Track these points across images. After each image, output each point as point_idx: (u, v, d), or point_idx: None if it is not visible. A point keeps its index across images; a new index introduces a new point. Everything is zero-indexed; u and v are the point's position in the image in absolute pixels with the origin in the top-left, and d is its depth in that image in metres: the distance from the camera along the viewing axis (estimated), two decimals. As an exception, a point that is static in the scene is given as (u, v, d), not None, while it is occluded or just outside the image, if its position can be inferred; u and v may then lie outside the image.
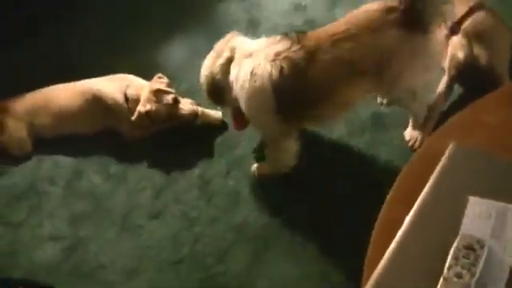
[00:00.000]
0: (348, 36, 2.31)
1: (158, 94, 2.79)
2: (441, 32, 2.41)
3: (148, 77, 2.98)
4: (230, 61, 2.51)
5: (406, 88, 2.42)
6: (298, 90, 2.36)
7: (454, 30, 2.59)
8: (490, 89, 1.88)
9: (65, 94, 3.04)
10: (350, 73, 2.34)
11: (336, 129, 2.78)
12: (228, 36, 2.63)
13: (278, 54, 2.36)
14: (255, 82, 2.38)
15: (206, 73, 2.61)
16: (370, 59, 2.30)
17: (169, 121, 2.86)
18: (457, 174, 1.60)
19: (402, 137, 2.60)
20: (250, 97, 2.42)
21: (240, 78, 2.43)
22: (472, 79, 2.55)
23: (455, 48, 2.58)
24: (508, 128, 1.73)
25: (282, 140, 2.55)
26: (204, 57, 2.85)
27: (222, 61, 2.54)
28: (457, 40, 2.58)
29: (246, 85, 2.40)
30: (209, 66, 2.61)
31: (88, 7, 3.73)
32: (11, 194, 2.99)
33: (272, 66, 2.35)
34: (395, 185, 1.66)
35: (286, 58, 2.34)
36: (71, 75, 3.16)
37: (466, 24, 2.56)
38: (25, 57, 3.59)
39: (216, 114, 2.93)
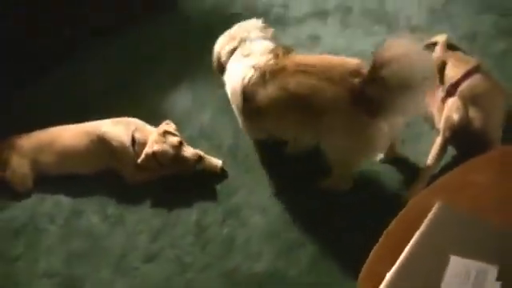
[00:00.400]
0: (309, 72, 2.45)
1: (165, 135, 2.84)
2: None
3: (153, 122, 3.07)
4: (234, 50, 2.80)
5: (327, 149, 2.56)
6: (256, 101, 2.57)
7: (450, 92, 2.65)
8: (481, 153, 1.92)
9: (70, 133, 3.11)
10: (293, 105, 2.48)
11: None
12: (249, 23, 2.97)
13: (259, 63, 2.58)
14: (235, 81, 2.66)
15: (217, 50, 2.94)
16: (313, 102, 2.42)
17: (173, 164, 2.91)
18: (440, 232, 1.64)
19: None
20: (230, 92, 2.74)
21: (230, 73, 2.75)
22: (465, 142, 2.58)
23: (450, 110, 2.64)
24: (494, 191, 1.77)
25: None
26: (208, 107, 2.92)
27: (228, 48, 2.85)
28: (452, 102, 2.63)
29: (231, 81, 2.71)
30: (220, 45, 2.93)
31: (102, 52, 3.81)
32: (10, 229, 3.03)
33: (248, 72, 2.60)
34: (380, 240, 1.69)
35: (260, 68, 2.56)
36: (81, 117, 3.23)
37: (463, 87, 2.61)
38: (38, 96, 3.63)
39: (217, 161, 2.96)
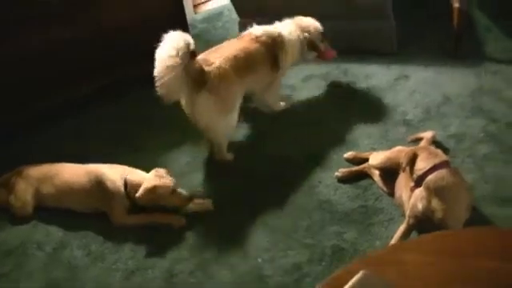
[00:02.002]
0: None
1: (159, 177, 3.03)
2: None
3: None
4: None
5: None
6: None
7: (418, 183, 2.73)
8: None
9: (72, 170, 3.28)
10: None
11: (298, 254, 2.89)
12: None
13: None
14: None
15: None
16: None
17: (168, 202, 3.07)
18: None
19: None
20: None
21: None
22: (428, 231, 2.63)
23: (416, 199, 2.73)
24: (420, 270, 1.82)
25: None
26: (203, 169, 3.26)
27: None
28: (418, 192, 2.71)
29: None
30: None
31: (104, 108, 3.99)
32: (1, 248, 3.14)
33: None
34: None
35: None
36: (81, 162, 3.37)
37: (429, 179, 2.68)
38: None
39: (208, 201, 3.17)
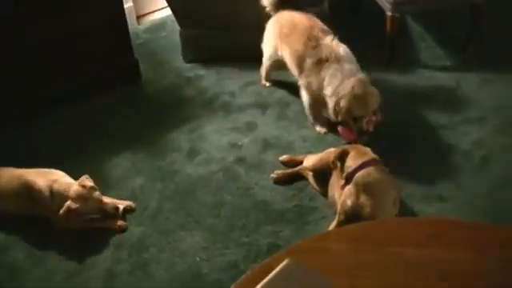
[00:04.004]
0: None
1: (86, 187, 3.02)
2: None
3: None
4: None
5: None
6: None
7: (347, 180, 2.82)
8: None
9: (8, 174, 3.26)
10: None
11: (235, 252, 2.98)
12: None
13: None
14: None
15: None
16: None
17: (94, 213, 3.11)
18: (283, 282, 1.72)
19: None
20: None
21: None
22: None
23: (345, 196, 2.83)
24: (342, 258, 1.88)
25: None
26: (143, 175, 3.37)
27: None
28: (348, 189, 2.80)
29: None
30: None
31: (56, 115, 3.95)
32: None
33: None
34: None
35: None
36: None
37: (357, 176, 2.78)
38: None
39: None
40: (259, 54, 4.06)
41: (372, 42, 4.26)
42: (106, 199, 3.17)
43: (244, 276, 1.88)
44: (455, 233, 1.98)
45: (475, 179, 3.30)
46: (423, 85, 4.07)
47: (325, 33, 3.60)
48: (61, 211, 3.02)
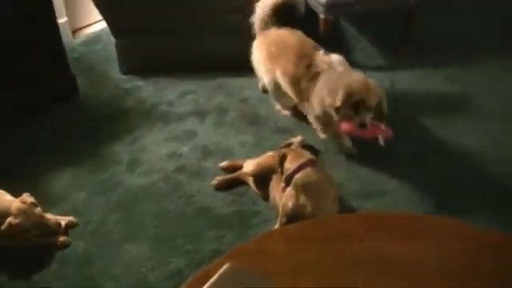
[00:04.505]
0: None
1: (26, 203, 2.97)
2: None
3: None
4: None
5: None
6: None
7: (286, 183, 2.82)
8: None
9: None
10: None
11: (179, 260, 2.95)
12: None
13: None
14: None
15: None
16: None
17: (36, 229, 3.01)
18: (225, 286, 1.71)
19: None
20: None
21: None
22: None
23: (286, 198, 2.82)
24: (284, 258, 1.88)
25: None
26: (85, 190, 3.34)
27: None
28: (288, 191, 2.81)
29: None
30: None
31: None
32: None
33: None
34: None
35: None
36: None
37: (295, 178, 2.79)
38: None
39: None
40: (195, 63, 4.06)
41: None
42: (48, 215, 3.11)
43: (185, 283, 1.86)
44: (392, 225, 2.00)
45: (412, 174, 3.34)
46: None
47: (316, 48, 3.55)
48: (2, 227, 2.96)
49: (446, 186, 3.29)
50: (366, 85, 3.22)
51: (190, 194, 3.33)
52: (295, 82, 3.51)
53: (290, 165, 2.92)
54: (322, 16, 4.10)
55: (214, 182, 3.35)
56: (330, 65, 3.42)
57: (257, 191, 3.24)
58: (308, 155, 2.97)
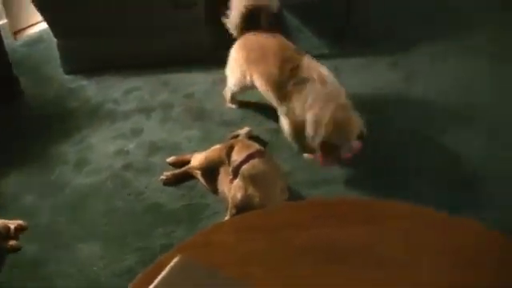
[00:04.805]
0: None
1: None
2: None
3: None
4: None
5: None
6: None
7: (234, 174, 2.83)
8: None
9: None
10: None
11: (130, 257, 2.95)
12: None
13: None
14: None
15: None
16: None
17: None
18: (175, 282, 1.71)
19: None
20: None
21: None
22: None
23: (234, 190, 2.84)
24: (232, 248, 1.88)
25: None
26: (33, 191, 3.27)
27: None
28: (236, 183, 2.82)
29: None
30: None
31: None
32: None
33: None
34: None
35: None
36: None
37: (243, 169, 2.80)
38: None
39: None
40: (139, 60, 4.05)
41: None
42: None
43: (138, 276, 1.85)
44: (340, 211, 2.01)
45: (359, 162, 3.37)
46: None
47: (299, 53, 3.44)
48: None
49: (391, 172, 3.34)
50: (345, 125, 3.15)
51: (139, 191, 3.32)
52: (279, 86, 3.38)
53: (237, 156, 2.93)
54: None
55: (162, 177, 3.34)
56: (319, 76, 3.28)
57: (205, 184, 3.24)
58: (255, 146, 2.98)
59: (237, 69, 3.66)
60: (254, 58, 3.51)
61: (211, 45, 4.26)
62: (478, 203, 3.12)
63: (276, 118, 3.63)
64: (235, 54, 3.67)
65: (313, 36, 4.53)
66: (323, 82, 3.26)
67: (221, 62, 3.82)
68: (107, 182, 3.40)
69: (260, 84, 3.50)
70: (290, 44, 3.53)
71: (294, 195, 3.12)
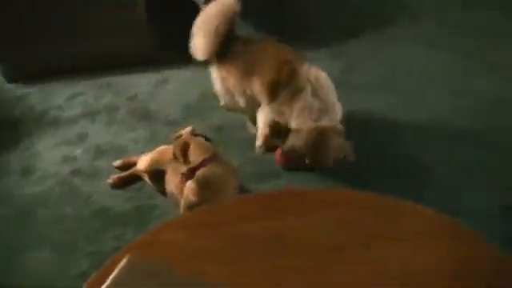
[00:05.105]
0: None
1: None
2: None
3: None
4: None
5: None
6: None
7: (188, 176, 2.82)
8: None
9: None
10: None
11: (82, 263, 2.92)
12: None
13: None
14: None
15: None
16: None
17: None
18: (126, 282, 1.71)
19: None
20: None
21: None
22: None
23: (189, 192, 2.82)
24: (183, 246, 1.88)
25: None
26: None
27: None
28: (191, 185, 2.82)
29: None
30: None
31: None
32: None
33: None
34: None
35: None
36: None
37: (199, 173, 2.81)
38: None
39: None
40: (81, 64, 4.04)
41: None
42: None
43: (89, 279, 1.85)
44: (288, 202, 2.04)
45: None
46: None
47: (298, 56, 3.32)
48: None
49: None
50: (320, 149, 3.06)
51: (87, 196, 3.31)
52: (273, 88, 3.23)
53: (193, 156, 2.92)
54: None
55: (110, 180, 3.33)
56: (314, 86, 3.16)
57: (153, 186, 3.23)
58: (211, 149, 2.97)
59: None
60: (251, 66, 3.33)
61: (154, 45, 4.24)
62: (419, 187, 3.22)
63: (219, 115, 3.67)
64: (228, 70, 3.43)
65: (253, 31, 4.54)
66: (316, 94, 3.15)
67: (163, 62, 3.80)
68: (55, 188, 3.38)
69: (258, 89, 3.31)
70: (287, 47, 3.43)
71: (242, 190, 3.12)
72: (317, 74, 3.22)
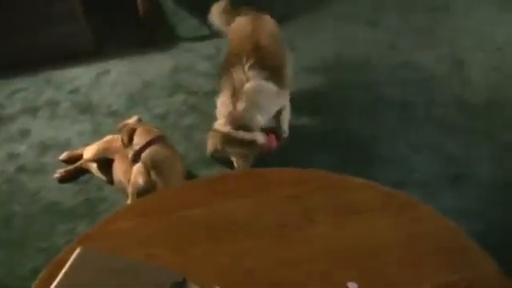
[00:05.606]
0: None
1: None
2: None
3: None
4: None
5: None
6: None
7: (135, 159, 2.84)
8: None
9: None
10: None
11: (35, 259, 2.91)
12: None
13: None
14: None
15: None
16: None
17: None
18: (79, 274, 1.71)
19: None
20: None
21: None
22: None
23: (136, 175, 2.84)
24: (134, 233, 1.89)
25: None
26: None
27: None
28: (137, 168, 2.83)
29: None
30: None
31: None
32: None
33: None
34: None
35: None
36: None
37: (144, 154, 2.81)
38: None
39: None
40: (19, 60, 4.01)
41: (131, 26, 4.29)
42: None
43: (41, 274, 1.85)
44: (235, 185, 2.08)
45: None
46: (184, 56, 4.23)
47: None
48: None
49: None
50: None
51: (35, 192, 3.27)
52: (229, 59, 3.35)
53: (138, 139, 2.94)
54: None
55: (57, 175, 3.30)
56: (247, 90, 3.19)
57: (101, 176, 3.22)
58: (156, 131, 3.00)
59: None
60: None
61: (92, 37, 4.21)
62: (367, 162, 3.30)
63: (163, 103, 3.68)
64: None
65: (190, 17, 4.55)
66: (239, 92, 3.19)
67: (104, 54, 3.78)
68: (1, 187, 3.33)
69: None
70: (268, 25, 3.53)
71: (190, 176, 3.16)
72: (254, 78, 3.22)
